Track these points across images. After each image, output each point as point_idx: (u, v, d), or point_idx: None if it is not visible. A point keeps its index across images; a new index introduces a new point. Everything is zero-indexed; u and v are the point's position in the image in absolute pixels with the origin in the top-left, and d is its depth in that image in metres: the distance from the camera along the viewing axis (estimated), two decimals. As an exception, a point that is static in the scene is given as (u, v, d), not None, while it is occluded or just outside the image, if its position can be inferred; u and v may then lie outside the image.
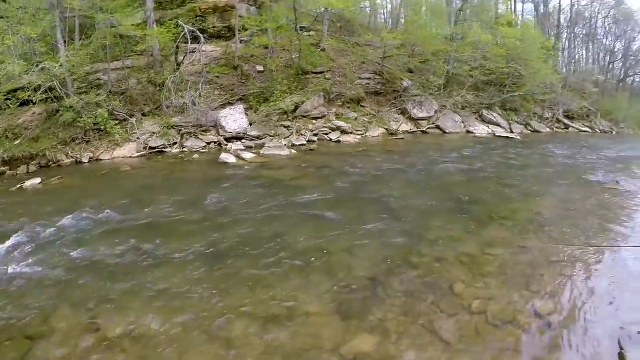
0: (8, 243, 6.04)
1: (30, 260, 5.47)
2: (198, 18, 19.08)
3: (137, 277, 4.90)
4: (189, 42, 15.55)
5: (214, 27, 19.34)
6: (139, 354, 3.62)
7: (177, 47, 16.06)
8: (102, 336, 3.83)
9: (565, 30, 47.30)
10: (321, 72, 18.93)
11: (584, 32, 51.10)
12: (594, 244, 6.57)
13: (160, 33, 15.37)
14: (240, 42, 18.29)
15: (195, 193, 8.51)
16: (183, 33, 15.55)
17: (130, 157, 12.37)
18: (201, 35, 15.94)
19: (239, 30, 18.20)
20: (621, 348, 3.79)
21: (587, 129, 34.31)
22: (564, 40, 46.68)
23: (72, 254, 5.60)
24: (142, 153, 12.63)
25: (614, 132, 38.27)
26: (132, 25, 15.66)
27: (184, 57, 16.11)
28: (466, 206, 8.29)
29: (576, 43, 50.76)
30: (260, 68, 17.75)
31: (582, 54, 53.64)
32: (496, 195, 9.45)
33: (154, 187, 9.10)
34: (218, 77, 16.90)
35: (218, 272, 5.03)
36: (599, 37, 52.81)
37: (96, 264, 5.27)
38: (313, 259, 5.45)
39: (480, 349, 3.78)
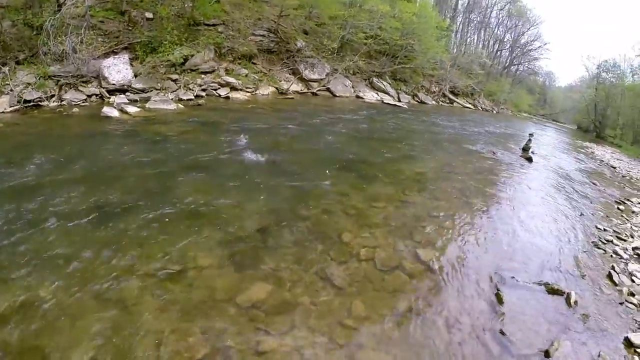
0: None
1: None
2: (85, -46, 17.36)
3: (19, 244, 4.37)
4: None
5: (101, -34, 17.68)
6: (32, 326, 3.33)
7: None
8: None
9: (461, 15, 50.15)
10: (214, 25, 18.32)
11: (478, 19, 54.61)
12: (470, 201, 7.60)
13: None
14: None
15: (76, 150, 7.72)
16: None
17: (3, 112, 10.75)
18: None
19: (128, -29, 16.95)
20: (498, 289, 4.55)
21: (470, 105, 37.11)
22: (458, 24, 49.50)
23: None
24: (15, 107, 11.08)
25: (494, 111, 41.84)
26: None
27: None
28: (354, 164, 8.80)
29: (470, 28, 54.27)
30: (149, 15, 16.59)
31: (474, 39, 57.61)
32: (382, 157, 10.09)
33: (31, 145, 8.00)
34: (102, 22, 15.48)
35: (105, 232, 4.70)
36: (491, 26, 56.96)
37: None
38: (202, 213, 5.39)
39: (370, 292, 4.18)
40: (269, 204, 5.92)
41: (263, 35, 20.45)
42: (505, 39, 58.12)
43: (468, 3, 51.06)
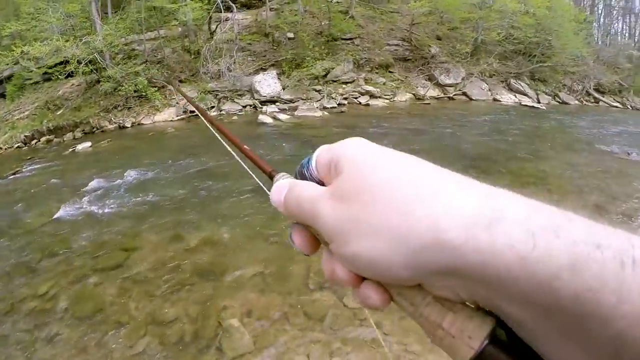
0: (86, 190, 7.35)
1: (108, 201, 6.74)
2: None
3: (202, 208, 5.92)
4: (222, 11, 16.13)
5: (245, -4, 19.66)
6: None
7: (210, 17, 16.63)
8: (184, 244, 4.88)
9: (601, 2, 46.39)
10: (350, 39, 19.36)
11: (621, 4, 49.84)
12: (585, 197, 7.56)
13: (194, 8, 15.72)
14: (270, 9, 18.78)
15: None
16: (215, 3, 16.08)
17: (171, 120, 13.07)
18: (233, 5, 16.49)
19: (268, -2, 18.71)
20: None
21: (617, 104, 33.84)
22: (599, 12, 45.80)
23: (140, 195, 6.74)
24: (181, 116, 13.31)
25: (647, 110, 37.82)
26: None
27: (217, 26, 16.66)
28: (478, 162, 9.21)
29: (612, 15, 49.55)
30: (290, 35, 18.13)
31: (619, 27, 52.37)
32: (508, 155, 10.21)
33: (201, 145, 9.59)
34: (250, 44, 17.47)
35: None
36: (636, 11, 51.54)
37: (160, 202, 6.35)
38: None
39: None
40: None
41: (397, 45, 21.10)
42: (654, 24, 52.45)
43: (607, -11, 47.21)
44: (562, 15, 27.05)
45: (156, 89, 14.55)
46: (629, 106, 35.48)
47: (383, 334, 3.38)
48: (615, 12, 49.33)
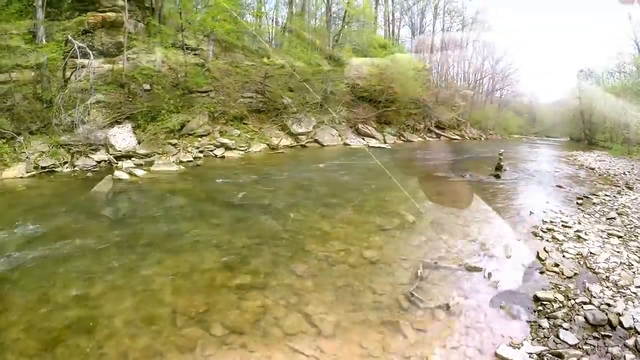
0: None
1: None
2: (87, 34, 18.68)
3: (64, 265, 5.93)
4: (78, 58, 15.67)
5: (102, 44, 19.04)
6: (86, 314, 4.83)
7: (66, 63, 16.11)
8: (53, 303, 4.93)
9: (439, 51, 52.29)
10: (206, 92, 20.19)
11: (456, 52, 56.65)
12: (423, 216, 9.05)
13: (52, 50, 15.36)
14: (128, 59, 18.75)
15: (98, 205, 9.38)
16: (72, 48, 15.61)
17: (21, 177, 12.20)
18: (91, 52, 16.05)
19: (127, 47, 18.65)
20: (419, 270, 5.96)
21: (457, 136, 38.72)
22: (437, 60, 51.63)
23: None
24: (32, 173, 12.56)
25: (482, 138, 43.35)
26: (19, 34, 15.44)
27: (72, 73, 16.20)
28: (328, 199, 10.52)
29: (448, 62, 56.18)
30: (147, 86, 18.33)
31: (455, 72, 59.41)
32: (355, 191, 11.72)
33: (57, 203, 9.41)
34: (105, 94, 17.13)
35: (135, 252, 6.46)
36: (468, 58, 59.01)
37: (20, 263, 6.05)
38: (204, 241, 7.12)
39: (320, 276, 5.85)
40: (256, 232, 7.68)
41: (251, 97, 22.48)
42: (485, 68, 60.32)
43: (443, 39, 53.34)
44: (402, 65, 30.30)
45: (4, 141, 13.82)
46: (467, 137, 40.66)
47: (249, 352, 4.08)
48: (451, 59, 55.87)
